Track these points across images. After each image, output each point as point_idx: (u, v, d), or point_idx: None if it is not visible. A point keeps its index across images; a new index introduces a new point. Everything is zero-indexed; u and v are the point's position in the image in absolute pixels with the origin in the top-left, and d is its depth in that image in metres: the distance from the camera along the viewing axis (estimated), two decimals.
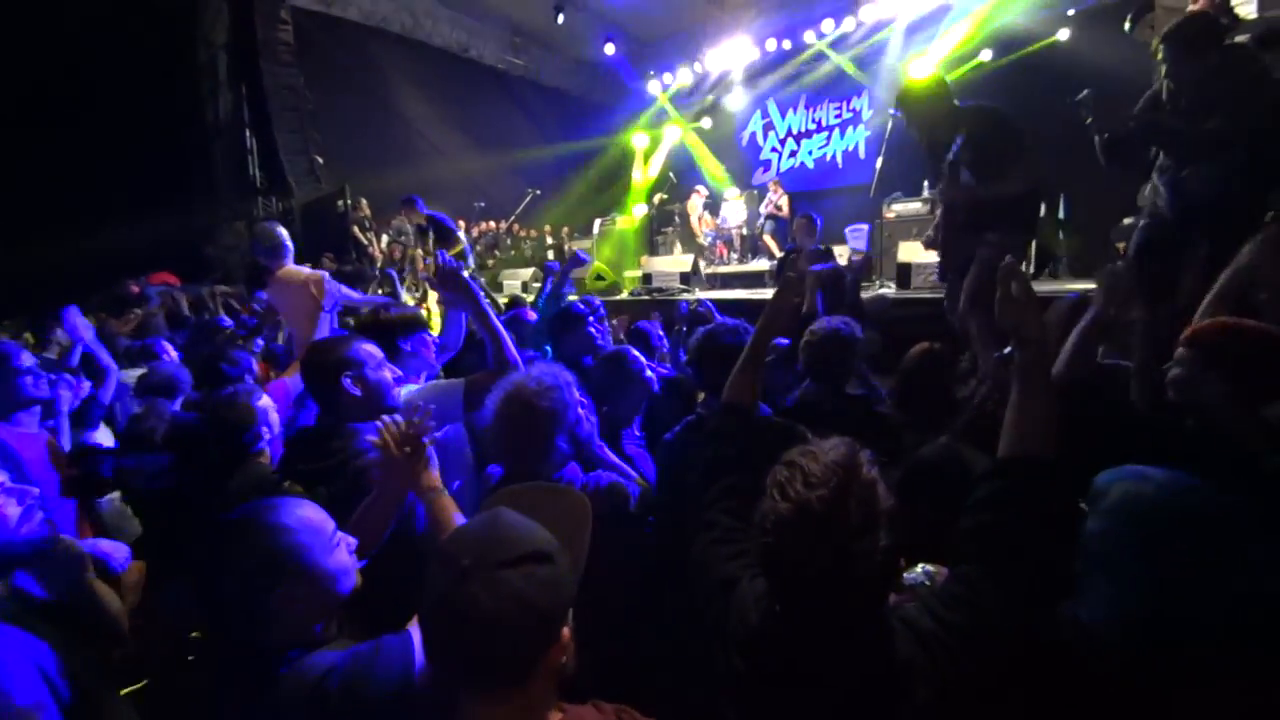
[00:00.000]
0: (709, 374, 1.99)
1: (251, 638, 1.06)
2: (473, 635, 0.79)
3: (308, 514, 1.12)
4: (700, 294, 7.12)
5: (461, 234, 6.53)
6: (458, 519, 1.29)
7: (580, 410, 1.65)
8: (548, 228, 11.84)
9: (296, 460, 1.62)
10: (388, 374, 1.78)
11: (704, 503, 1.22)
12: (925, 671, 0.87)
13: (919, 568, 1.11)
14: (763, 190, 10.51)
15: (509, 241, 11.52)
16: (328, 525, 1.14)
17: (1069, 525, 0.98)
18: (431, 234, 6.69)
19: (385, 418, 1.35)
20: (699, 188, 10.82)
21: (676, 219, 10.75)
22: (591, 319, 2.77)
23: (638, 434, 2.26)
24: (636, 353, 2.22)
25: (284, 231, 3.40)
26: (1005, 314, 1.12)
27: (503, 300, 5.94)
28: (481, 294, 2.07)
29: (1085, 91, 2.90)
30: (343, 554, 1.14)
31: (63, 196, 7.62)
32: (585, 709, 0.93)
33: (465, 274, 2.06)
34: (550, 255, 11.25)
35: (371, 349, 1.76)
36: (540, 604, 0.81)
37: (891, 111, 7.02)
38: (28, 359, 2.25)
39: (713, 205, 10.72)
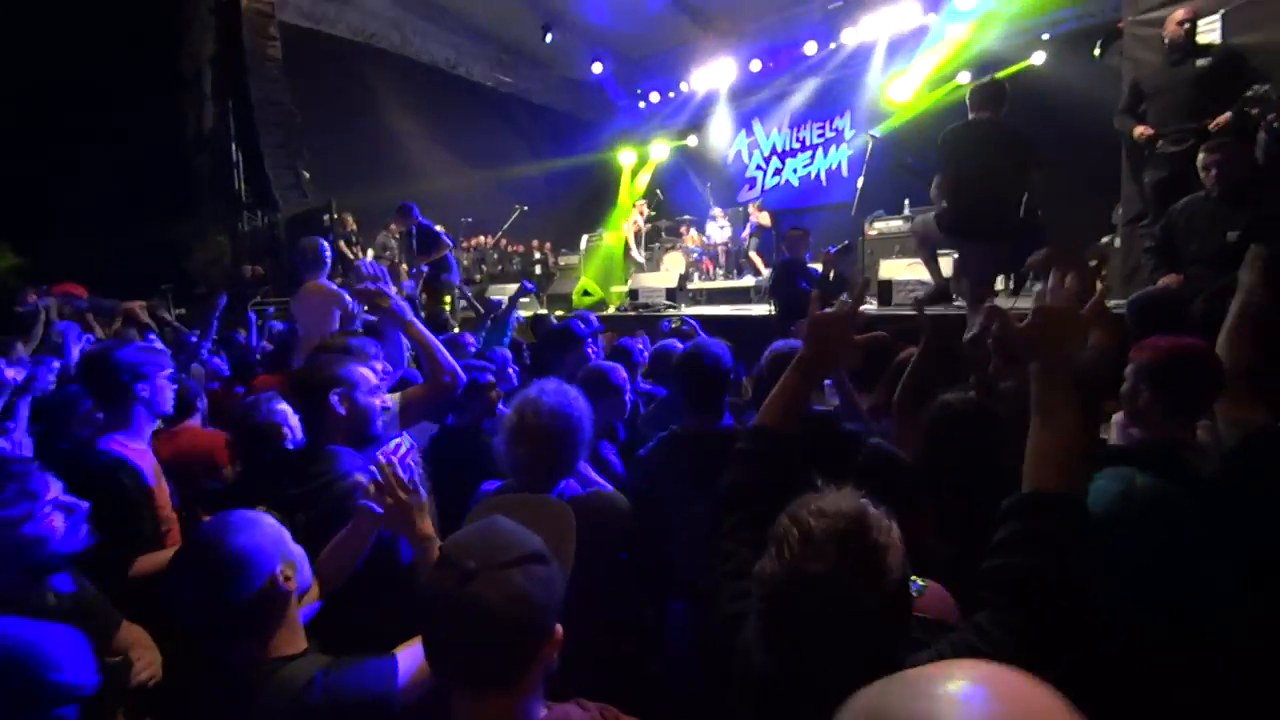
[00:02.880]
0: (689, 392, 2.03)
1: (218, 648, 1.09)
2: (479, 632, 0.83)
3: (263, 523, 1.15)
4: (685, 310, 7.17)
5: (448, 242, 6.51)
6: None
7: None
8: (535, 243, 11.89)
9: (273, 485, 1.58)
10: (378, 401, 1.76)
11: (721, 529, 1.17)
12: None
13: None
14: (745, 206, 10.66)
15: (496, 256, 11.53)
16: (283, 533, 1.17)
17: (1093, 565, 0.90)
18: (415, 244, 6.68)
19: (379, 457, 1.30)
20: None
21: (663, 234, 10.84)
22: (590, 340, 2.82)
23: (613, 444, 2.33)
24: (623, 369, 2.28)
25: (327, 246, 3.67)
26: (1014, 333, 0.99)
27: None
28: (406, 307, 1.98)
29: None
30: (302, 561, 1.18)
31: (40, 204, 7.53)
32: (569, 706, 0.96)
33: (393, 289, 1.96)
34: (537, 270, 11.28)
35: (367, 372, 1.74)
36: (541, 600, 0.86)
37: (870, 134, 7.17)
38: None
39: (699, 224, 10.84)
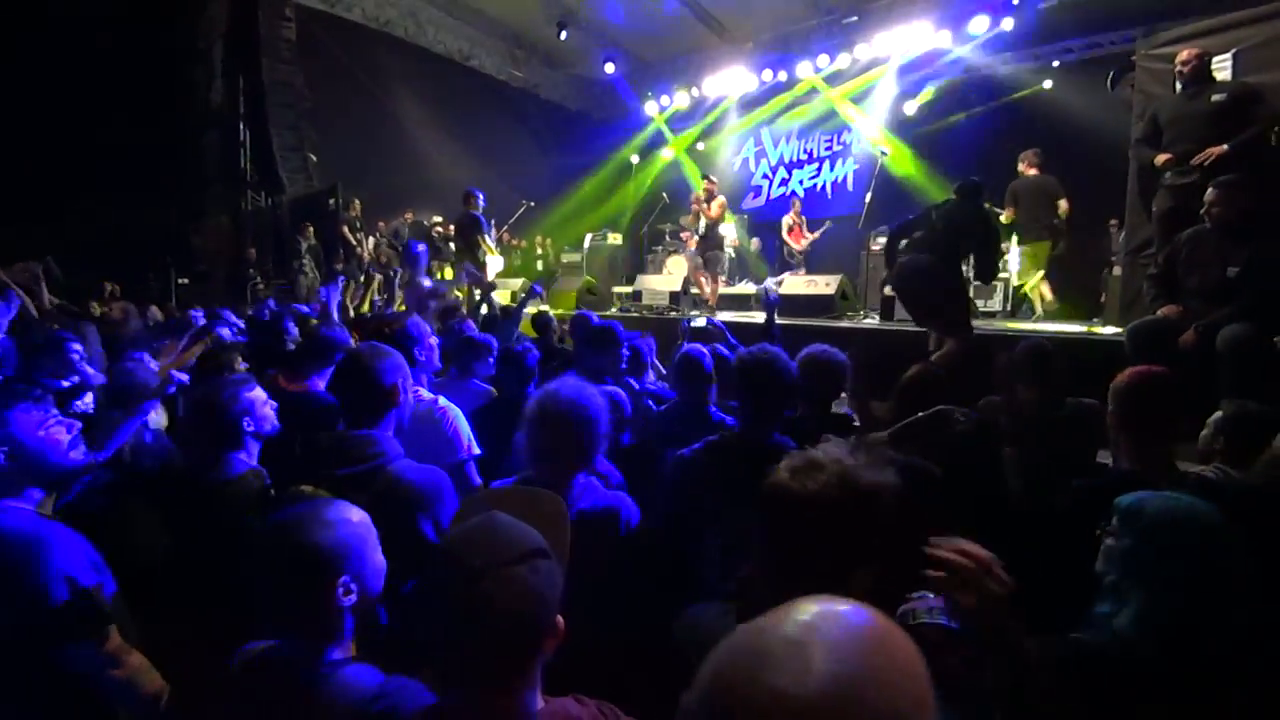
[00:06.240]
0: (750, 399, 1.99)
1: (295, 636, 1.08)
2: (489, 630, 0.83)
3: (354, 514, 1.15)
4: (691, 313, 7.21)
5: (490, 238, 6.42)
6: None
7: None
8: (538, 239, 11.90)
9: (320, 465, 1.59)
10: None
11: None
12: None
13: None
14: (754, 215, 10.71)
15: (499, 250, 11.54)
16: (371, 526, 1.17)
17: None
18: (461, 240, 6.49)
19: None
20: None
21: (667, 237, 10.88)
22: (624, 347, 2.84)
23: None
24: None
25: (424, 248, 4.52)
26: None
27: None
28: None
29: None
30: (380, 555, 1.17)
31: (47, 176, 7.48)
32: (567, 701, 0.96)
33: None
34: (540, 266, 11.29)
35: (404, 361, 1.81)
36: (548, 596, 0.88)
37: (881, 150, 7.23)
38: None
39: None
